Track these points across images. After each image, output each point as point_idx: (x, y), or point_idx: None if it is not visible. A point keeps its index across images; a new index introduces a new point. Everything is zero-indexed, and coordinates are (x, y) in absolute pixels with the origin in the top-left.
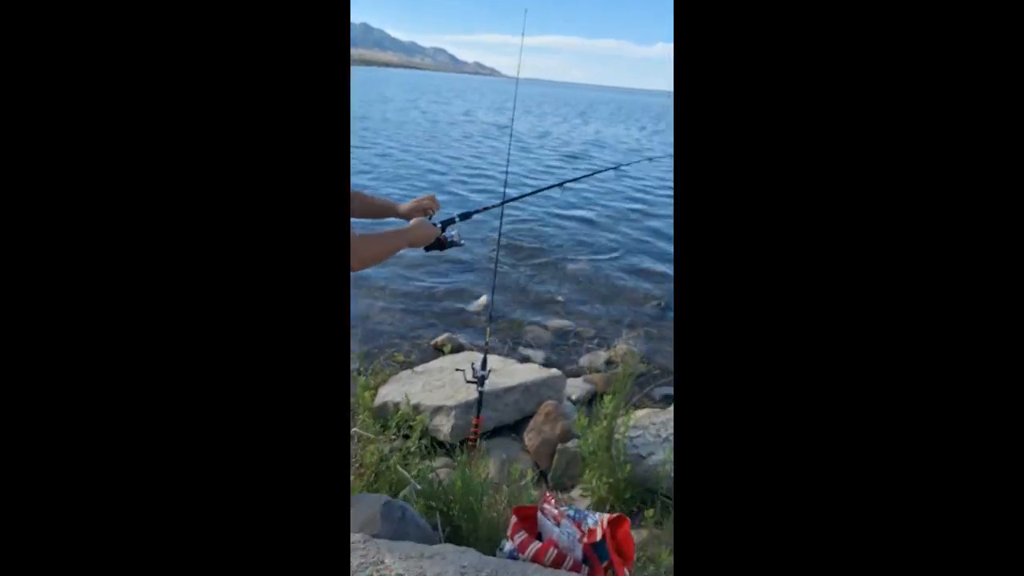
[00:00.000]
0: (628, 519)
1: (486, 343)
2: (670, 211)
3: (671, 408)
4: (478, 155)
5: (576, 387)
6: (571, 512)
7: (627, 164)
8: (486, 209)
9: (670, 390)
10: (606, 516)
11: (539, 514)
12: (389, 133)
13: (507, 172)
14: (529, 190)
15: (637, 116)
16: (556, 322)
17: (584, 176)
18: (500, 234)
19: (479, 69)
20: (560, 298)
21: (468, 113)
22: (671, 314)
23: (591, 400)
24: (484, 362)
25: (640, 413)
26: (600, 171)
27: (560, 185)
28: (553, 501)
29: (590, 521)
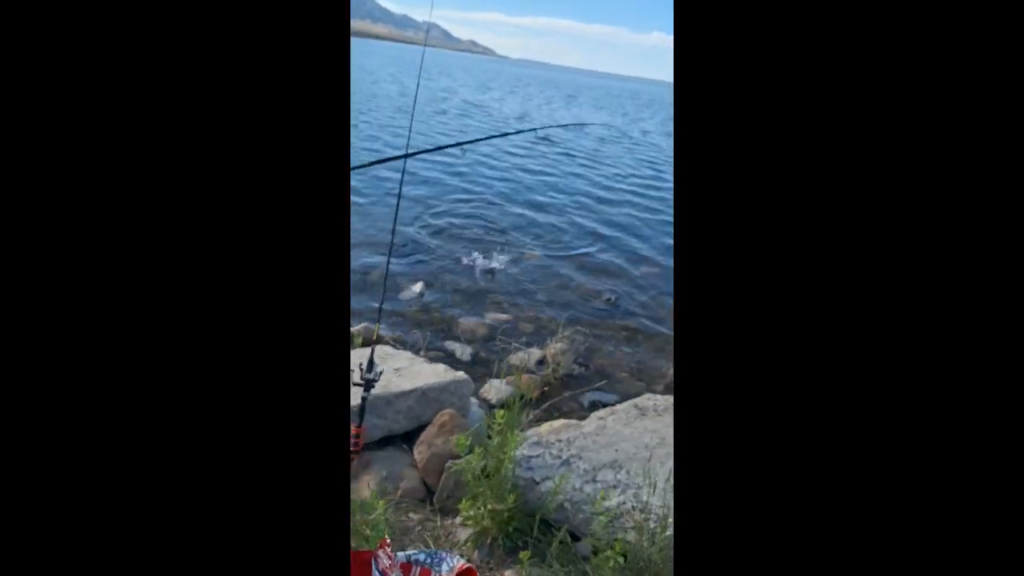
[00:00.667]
0: (475, 571)
1: (374, 338)
2: (632, 206)
3: (588, 420)
4: (444, 132)
5: (496, 389)
6: (421, 556)
7: (515, 133)
8: (354, 169)
9: (601, 395)
10: (460, 564)
11: (373, 563)
12: (353, 106)
13: (408, 137)
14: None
15: (623, 103)
16: (494, 315)
17: (484, 139)
18: (397, 211)
19: (472, 47)
20: (503, 289)
21: (449, 90)
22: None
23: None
24: (371, 362)
25: (557, 424)
26: (496, 136)
27: (458, 145)
28: (388, 548)
29: (444, 568)
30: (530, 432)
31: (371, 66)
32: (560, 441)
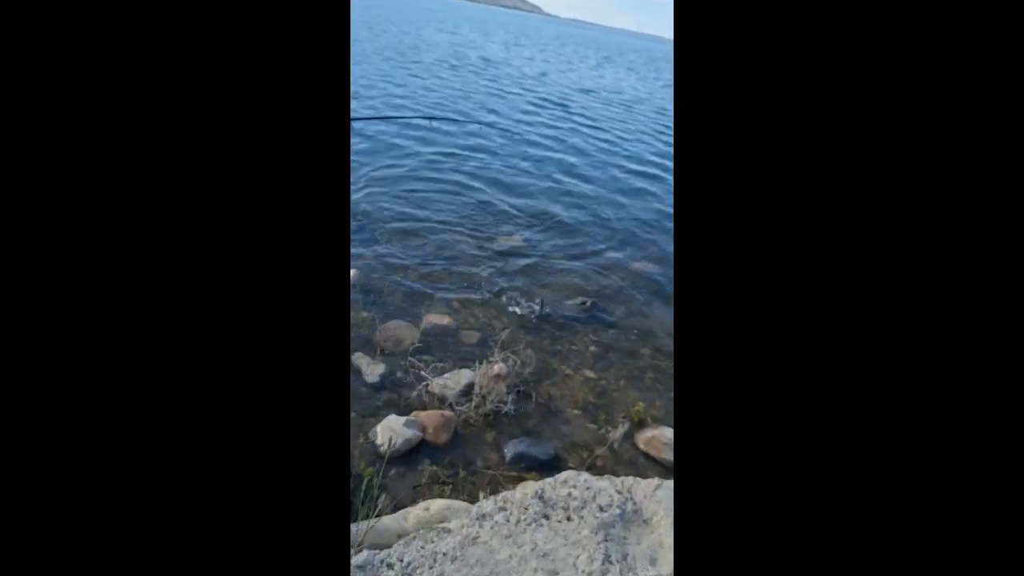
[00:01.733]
0: None
1: None
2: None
3: (468, 518)
4: (430, 87)
5: (391, 431)
6: None
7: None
8: None
9: (530, 447)
10: None
11: None
12: (363, 57)
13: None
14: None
15: (661, 67)
16: (433, 317)
17: (373, 118)
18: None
19: (520, 4)
20: (451, 285)
21: (473, 45)
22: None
23: (406, 455)
24: None
25: (434, 507)
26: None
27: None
28: None
29: None
30: (386, 520)
31: (398, 18)
32: (398, 564)
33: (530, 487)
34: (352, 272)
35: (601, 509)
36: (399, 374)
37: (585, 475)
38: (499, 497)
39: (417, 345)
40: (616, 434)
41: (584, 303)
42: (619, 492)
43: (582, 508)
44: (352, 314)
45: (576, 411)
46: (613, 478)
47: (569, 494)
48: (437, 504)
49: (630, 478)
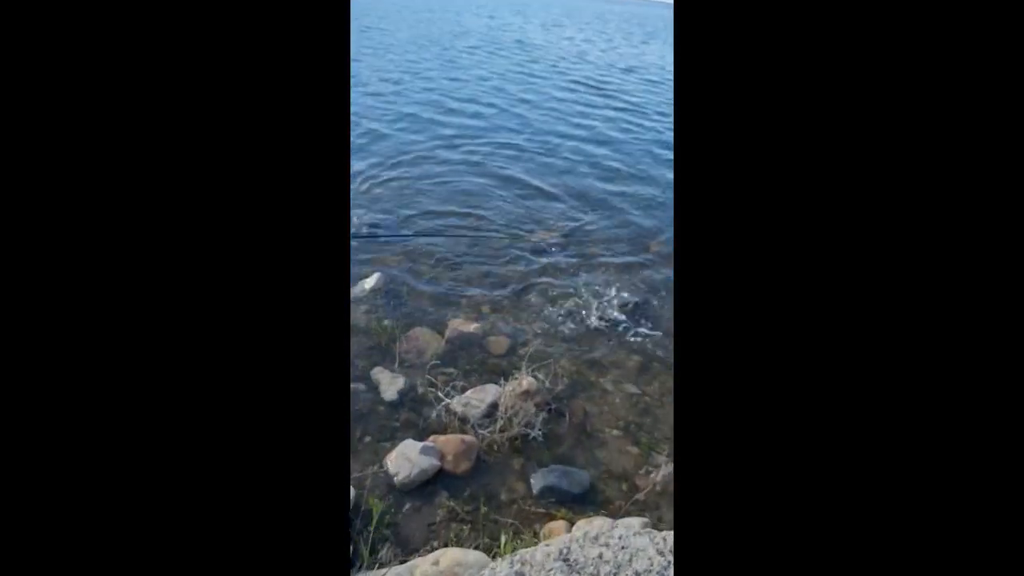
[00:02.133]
0: None
1: None
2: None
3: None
4: (454, 78)
5: (405, 460)
6: None
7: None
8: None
9: (560, 479)
10: None
11: None
12: (370, 42)
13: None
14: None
15: None
16: (461, 323)
17: (371, 236)
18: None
19: None
20: (480, 290)
21: (510, 27)
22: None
23: (422, 487)
24: None
25: (447, 559)
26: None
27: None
28: None
29: None
30: None
31: (435, 4)
32: None
33: (553, 544)
34: (375, 277)
35: None
36: (420, 390)
37: (620, 528)
38: (515, 558)
39: (435, 362)
40: (659, 475)
41: (624, 306)
42: (660, 553)
43: (617, 573)
44: (373, 323)
45: (615, 431)
46: (654, 533)
47: (600, 555)
48: (448, 557)
49: (673, 533)
